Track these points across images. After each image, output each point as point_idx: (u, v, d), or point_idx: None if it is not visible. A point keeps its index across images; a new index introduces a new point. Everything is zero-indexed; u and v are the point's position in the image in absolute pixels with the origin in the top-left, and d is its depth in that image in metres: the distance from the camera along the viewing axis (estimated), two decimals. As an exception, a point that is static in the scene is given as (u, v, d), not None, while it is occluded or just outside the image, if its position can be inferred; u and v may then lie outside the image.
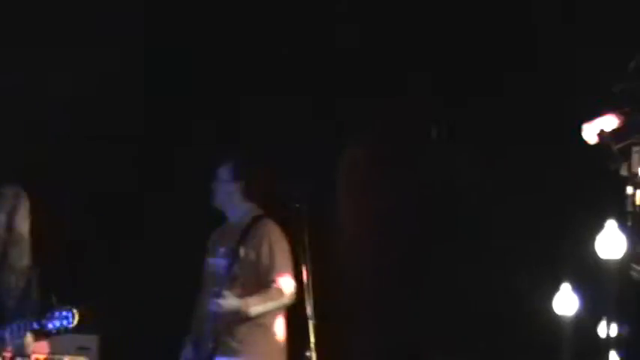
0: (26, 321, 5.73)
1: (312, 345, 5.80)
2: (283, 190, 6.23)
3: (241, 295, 6.21)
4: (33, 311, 5.86)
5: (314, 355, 5.67)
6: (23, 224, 5.97)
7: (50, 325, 5.68)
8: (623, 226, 6.86)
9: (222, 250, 6.55)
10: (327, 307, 5.75)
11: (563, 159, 7.26)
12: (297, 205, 5.80)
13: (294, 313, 5.97)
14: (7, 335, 5.74)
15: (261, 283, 6.29)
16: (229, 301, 6.16)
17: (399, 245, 7.26)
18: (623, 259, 6.93)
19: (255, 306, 6.18)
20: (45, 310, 5.78)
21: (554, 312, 7.89)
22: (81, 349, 6.79)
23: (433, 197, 7.43)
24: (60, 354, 6.61)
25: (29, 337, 5.79)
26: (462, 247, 7.35)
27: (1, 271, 5.97)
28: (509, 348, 7.21)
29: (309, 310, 5.73)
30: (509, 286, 7.33)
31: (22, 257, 5.96)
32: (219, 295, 6.19)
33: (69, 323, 5.71)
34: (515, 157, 7.51)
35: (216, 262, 6.55)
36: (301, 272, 5.85)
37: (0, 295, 5.90)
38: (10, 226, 5.96)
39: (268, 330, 6.36)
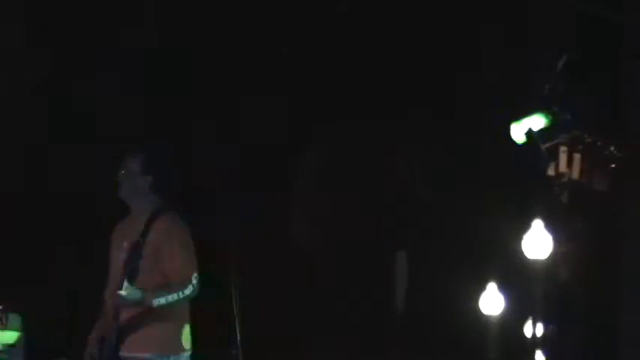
0: None
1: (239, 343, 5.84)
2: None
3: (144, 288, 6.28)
4: None
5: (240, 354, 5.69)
6: None
7: None
8: (549, 226, 6.99)
9: (125, 243, 6.47)
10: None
11: (491, 159, 7.32)
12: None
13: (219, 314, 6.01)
14: None
15: (164, 276, 6.30)
16: (132, 293, 6.12)
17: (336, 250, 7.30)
18: (548, 259, 7.03)
19: (158, 298, 6.16)
20: None
21: (480, 312, 7.98)
22: (6, 346, 6.45)
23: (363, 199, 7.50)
24: None
25: None
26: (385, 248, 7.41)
27: None
28: (437, 347, 7.26)
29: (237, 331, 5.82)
30: (436, 286, 7.40)
31: None
32: (121, 288, 6.21)
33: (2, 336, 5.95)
34: (442, 157, 7.55)
35: (120, 255, 6.49)
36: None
37: None
38: None
39: (171, 322, 6.41)
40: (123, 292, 5.97)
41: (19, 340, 6.44)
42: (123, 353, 6.11)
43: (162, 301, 6.00)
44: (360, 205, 7.45)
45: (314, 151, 6.95)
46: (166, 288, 6.03)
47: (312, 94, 7.61)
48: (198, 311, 6.48)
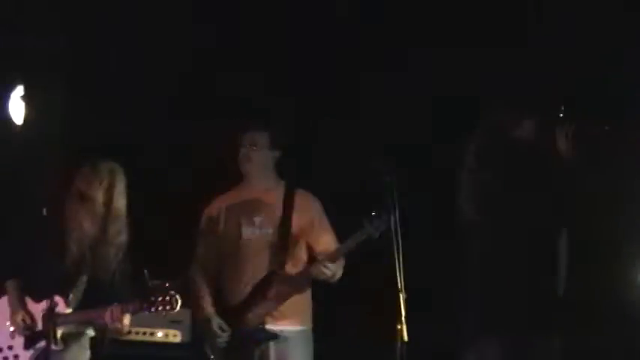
0: (128, 304, 6.04)
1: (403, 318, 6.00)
2: (367, 164, 6.43)
3: (292, 266, 6.62)
4: (128, 288, 6.18)
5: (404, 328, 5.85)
6: (121, 201, 6.25)
7: (152, 309, 6.00)
8: None
9: (258, 219, 6.79)
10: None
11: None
12: (388, 179, 5.98)
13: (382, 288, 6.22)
14: (107, 317, 6.03)
15: (308, 250, 6.65)
16: (332, 267, 6.43)
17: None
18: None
19: (340, 271, 6.51)
20: (144, 291, 6.04)
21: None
22: (173, 323, 7.02)
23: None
24: (153, 328, 7.05)
25: (127, 319, 6.08)
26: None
27: (99, 246, 6.24)
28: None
29: (400, 284, 5.94)
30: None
31: (120, 233, 6.25)
32: (274, 263, 6.54)
33: (171, 310, 6.02)
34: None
35: (256, 231, 6.79)
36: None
37: (97, 269, 6.19)
38: (108, 203, 6.24)
39: (309, 296, 6.75)
40: (327, 266, 6.36)
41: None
42: (270, 325, 6.50)
43: (340, 273, 6.41)
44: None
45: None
46: (338, 263, 6.47)
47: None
48: (363, 286, 6.78)
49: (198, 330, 6.76)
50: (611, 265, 6.87)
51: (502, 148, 5.10)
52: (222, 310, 6.59)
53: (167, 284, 6.07)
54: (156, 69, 7.62)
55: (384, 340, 6.35)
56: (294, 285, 6.53)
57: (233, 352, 6.57)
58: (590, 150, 4.92)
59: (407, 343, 5.87)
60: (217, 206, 6.76)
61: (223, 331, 6.50)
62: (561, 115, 4.98)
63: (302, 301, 6.61)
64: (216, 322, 6.49)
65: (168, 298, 5.99)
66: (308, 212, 6.70)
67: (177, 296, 6.00)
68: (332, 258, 6.39)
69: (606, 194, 5.41)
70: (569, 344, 5.87)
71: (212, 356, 6.55)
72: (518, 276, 5.09)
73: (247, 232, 6.66)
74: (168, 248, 7.18)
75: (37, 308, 6.24)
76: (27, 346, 6.22)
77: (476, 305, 5.29)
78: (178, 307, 6.04)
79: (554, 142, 4.98)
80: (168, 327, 6.97)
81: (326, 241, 6.62)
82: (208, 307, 6.60)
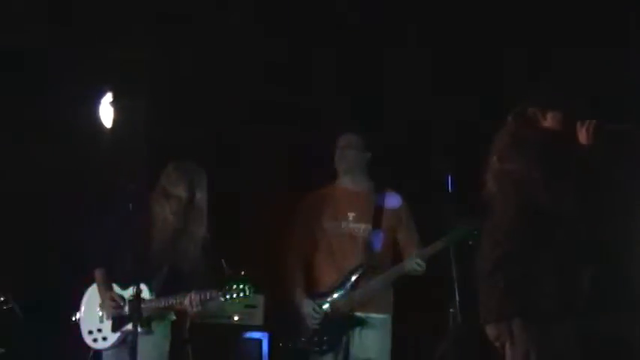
0: (206, 291, 6.36)
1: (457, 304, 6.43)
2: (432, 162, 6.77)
3: (379, 260, 7.01)
4: (206, 277, 6.53)
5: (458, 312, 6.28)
6: (202, 197, 6.61)
7: (227, 296, 6.32)
8: None
9: (352, 214, 7.16)
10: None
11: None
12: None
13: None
14: (187, 303, 6.35)
15: (394, 246, 7.07)
16: (422, 264, 6.91)
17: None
18: None
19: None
20: (221, 279, 6.41)
21: None
22: (248, 307, 7.43)
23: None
24: (230, 312, 7.46)
25: (206, 305, 6.40)
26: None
27: (181, 239, 6.58)
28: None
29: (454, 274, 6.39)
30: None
31: (200, 227, 6.59)
32: (364, 258, 6.94)
33: (245, 297, 6.32)
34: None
35: (350, 225, 7.15)
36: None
37: (178, 259, 6.53)
38: (190, 199, 6.59)
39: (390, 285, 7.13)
40: (419, 263, 6.93)
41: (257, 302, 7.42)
42: (358, 312, 6.90)
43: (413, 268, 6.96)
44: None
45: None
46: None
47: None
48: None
49: (290, 312, 7.09)
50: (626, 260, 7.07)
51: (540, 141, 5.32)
52: (315, 295, 6.97)
53: (242, 273, 6.38)
54: (230, 77, 7.90)
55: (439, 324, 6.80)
56: (384, 278, 6.94)
57: (323, 335, 6.92)
58: (608, 145, 5.14)
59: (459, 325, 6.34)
60: (313, 201, 7.17)
61: (317, 313, 6.84)
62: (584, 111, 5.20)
63: (386, 290, 7.01)
64: (311, 305, 6.85)
65: (242, 286, 6.28)
66: (396, 211, 7.08)
67: (251, 285, 6.31)
68: (424, 256, 6.82)
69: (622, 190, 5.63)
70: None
71: (302, 338, 6.89)
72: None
73: (341, 226, 7.07)
74: (243, 241, 7.49)
75: (124, 295, 6.62)
76: (114, 328, 6.57)
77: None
78: (251, 295, 6.37)
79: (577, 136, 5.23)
80: (243, 311, 7.39)
81: (412, 238, 7.05)
82: (302, 291, 6.97)
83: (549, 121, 5.30)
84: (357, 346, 6.84)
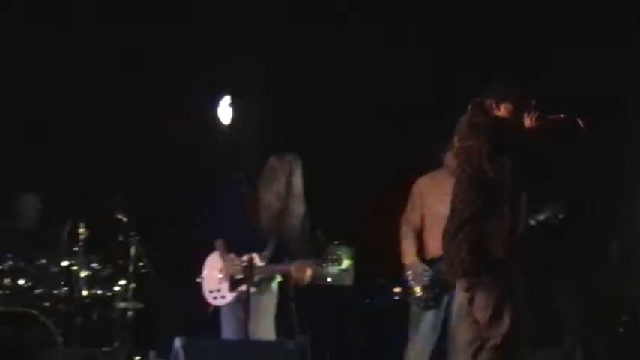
0: (308, 259, 7.19)
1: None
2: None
3: None
4: (307, 247, 7.29)
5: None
6: (299, 183, 7.33)
7: (324, 264, 7.13)
8: None
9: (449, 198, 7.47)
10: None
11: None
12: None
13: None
14: (292, 269, 7.22)
15: None
16: None
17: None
18: None
19: None
20: (321, 251, 7.21)
21: None
22: (341, 271, 7.78)
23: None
24: (325, 275, 7.95)
25: (309, 271, 7.24)
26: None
27: (284, 216, 7.30)
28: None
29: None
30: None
31: (299, 206, 7.33)
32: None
33: (339, 264, 7.13)
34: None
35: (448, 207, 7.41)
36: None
37: (282, 233, 7.31)
38: (289, 185, 7.32)
39: None
40: None
41: (350, 266, 7.68)
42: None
43: None
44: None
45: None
46: None
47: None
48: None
49: (406, 271, 7.74)
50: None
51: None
52: (423, 259, 7.70)
53: (336, 242, 7.25)
54: (326, 80, 8.60)
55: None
56: None
57: (429, 293, 7.56)
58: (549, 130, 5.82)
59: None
60: (423, 184, 7.88)
61: (426, 271, 7.59)
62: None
63: None
64: (422, 266, 7.62)
65: (336, 255, 7.11)
66: None
67: (343, 253, 7.11)
68: None
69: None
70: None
71: (419, 293, 7.55)
72: None
73: (441, 206, 7.35)
74: (337, 216, 8.23)
75: (239, 261, 7.36)
76: (231, 289, 7.41)
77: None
78: (345, 262, 7.17)
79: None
80: (337, 275, 7.90)
81: None
82: (415, 255, 7.71)
83: (502, 110, 5.98)
84: None
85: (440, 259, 6.94)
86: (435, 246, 7.44)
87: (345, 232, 7.73)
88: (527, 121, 5.95)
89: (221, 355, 6.91)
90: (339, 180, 8.59)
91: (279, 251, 7.46)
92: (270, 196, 7.50)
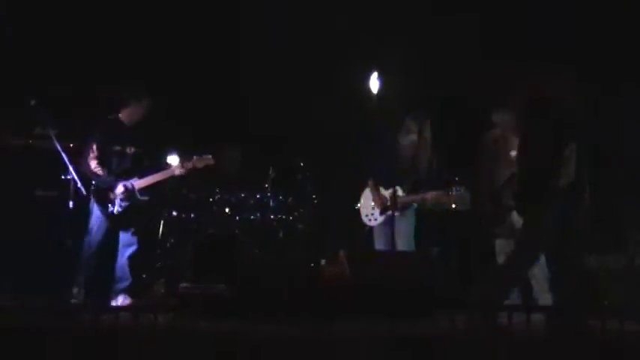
0: (436, 190, 8.39)
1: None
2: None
3: None
4: (435, 182, 8.49)
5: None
6: (428, 133, 8.53)
7: (450, 193, 8.32)
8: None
9: (513, 153, 8.45)
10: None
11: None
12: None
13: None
14: (427, 197, 8.42)
15: None
16: None
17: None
18: None
19: None
20: (447, 182, 8.35)
21: None
22: (459, 200, 8.74)
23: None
24: (450, 202, 8.80)
25: (435, 198, 8.39)
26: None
27: (418, 158, 8.42)
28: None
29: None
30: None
31: (428, 150, 8.46)
32: None
33: (458, 190, 8.34)
34: None
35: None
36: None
37: (418, 171, 8.47)
38: (420, 134, 8.50)
39: None
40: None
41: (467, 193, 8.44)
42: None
43: None
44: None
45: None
46: None
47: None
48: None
49: (480, 206, 8.56)
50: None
51: None
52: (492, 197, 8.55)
53: (457, 179, 8.49)
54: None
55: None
56: None
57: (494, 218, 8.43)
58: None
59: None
60: (492, 148, 8.63)
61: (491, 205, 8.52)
62: None
63: None
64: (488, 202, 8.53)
65: (453, 186, 8.43)
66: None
67: (461, 186, 8.29)
68: None
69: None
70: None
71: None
72: None
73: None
74: (454, 159, 9.03)
75: (386, 193, 8.60)
76: (381, 213, 8.70)
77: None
78: (462, 192, 8.40)
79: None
80: (460, 200, 8.65)
81: None
82: (487, 195, 8.51)
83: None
84: None
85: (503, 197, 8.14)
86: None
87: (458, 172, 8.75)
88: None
89: (377, 260, 7.80)
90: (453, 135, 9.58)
91: (415, 186, 8.62)
92: (412, 143, 8.64)
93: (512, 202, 7.87)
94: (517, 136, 7.72)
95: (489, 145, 8.55)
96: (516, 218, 7.90)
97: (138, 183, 9.07)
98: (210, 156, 9.27)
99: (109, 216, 8.94)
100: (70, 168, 8.50)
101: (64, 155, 8.50)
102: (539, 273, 8.05)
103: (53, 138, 8.52)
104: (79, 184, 8.62)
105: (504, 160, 8.28)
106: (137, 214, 9.07)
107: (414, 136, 8.58)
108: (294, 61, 9.69)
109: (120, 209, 8.94)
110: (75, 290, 8.71)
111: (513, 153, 8.01)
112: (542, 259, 7.59)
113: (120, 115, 9.24)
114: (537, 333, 6.53)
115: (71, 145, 8.81)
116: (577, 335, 6.31)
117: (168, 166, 9.40)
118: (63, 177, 8.64)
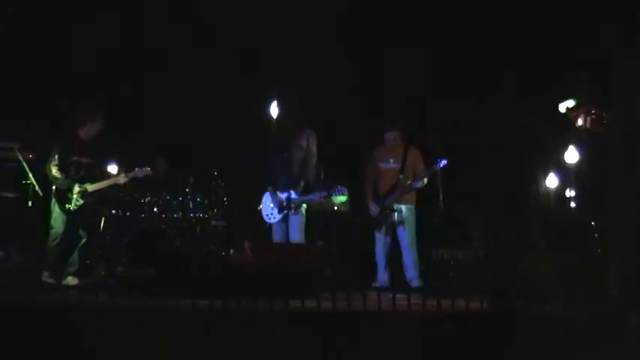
0: (322, 192, 9.71)
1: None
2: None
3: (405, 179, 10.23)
4: (320, 186, 9.84)
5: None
6: (314, 147, 9.85)
7: (333, 194, 9.47)
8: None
9: (392, 158, 10.40)
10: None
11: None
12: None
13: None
14: (314, 198, 9.72)
15: (413, 175, 10.47)
16: (414, 182, 10.19)
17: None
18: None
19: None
20: (330, 187, 9.52)
21: None
22: (342, 203, 9.98)
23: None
24: (333, 204, 10.18)
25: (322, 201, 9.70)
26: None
27: (306, 168, 9.68)
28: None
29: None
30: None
31: (314, 160, 9.86)
32: (400, 181, 10.22)
33: (344, 195, 9.51)
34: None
35: (391, 165, 10.49)
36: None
37: (307, 178, 9.83)
38: (308, 148, 9.81)
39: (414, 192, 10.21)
40: (424, 181, 10.23)
41: (347, 200, 9.82)
42: (395, 204, 10.20)
43: (419, 184, 10.40)
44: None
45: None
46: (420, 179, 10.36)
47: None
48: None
49: (367, 208, 10.12)
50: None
51: None
52: (376, 199, 10.30)
53: (339, 185, 9.55)
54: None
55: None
56: (407, 188, 10.32)
57: (381, 216, 10.21)
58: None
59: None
60: (376, 154, 10.39)
61: (377, 207, 10.26)
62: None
63: (411, 194, 10.43)
64: (374, 204, 10.31)
65: (341, 189, 9.46)
66: (415, 157, 10.54)
67: (342, 190, 9.46)
68: (422, 177, 10.26)
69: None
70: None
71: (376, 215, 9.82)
72: None
73: (388, 165, 10.38)
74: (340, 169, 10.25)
75: (282, 196, 9.84)
76: (279, 212, 9.94)
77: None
78: (343, 197, 9.64)
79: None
80: (339, 204, 10.03)
81: (420, 169, 10.48)
82: (372, 197, 10.29)
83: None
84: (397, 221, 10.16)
85: (388, 196, 9.84)
86: (384, 190, 10.36)
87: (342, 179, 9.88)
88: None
89: (275, 250, 9.02)
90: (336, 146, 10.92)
91: (305, 188, 10.01)
92: (298, 156, 10.07)
93: (393, 204, 9.90)
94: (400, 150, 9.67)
95: (375, 157, 10.38)
96: (394, 217, 9.92)
97: (91, 187, 10.09)
98: (149, 168, 10.26)
99: (67, 212, 9.98)
100: (30, 175, 10.07)
101: (24, 164, 10.14)
102: (410, 262, 10.21)
103: (16, 150, 10.12)
104: (37, 187, 10.01)
105: (386, 169, 10.32)
106: (87, 212, 10.18)
107: (303, 150, 10.10)
108: (212, 94, 11.50)
109: (76, 207, 9.95)
110: (45, 274, 9.90)
111: (393, 163, 10.00)
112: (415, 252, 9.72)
113: (78, 131, 10.23)
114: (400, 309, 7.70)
115: (30, 155, 10.33)
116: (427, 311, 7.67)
117: (113, 175, 10.37)
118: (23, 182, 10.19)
